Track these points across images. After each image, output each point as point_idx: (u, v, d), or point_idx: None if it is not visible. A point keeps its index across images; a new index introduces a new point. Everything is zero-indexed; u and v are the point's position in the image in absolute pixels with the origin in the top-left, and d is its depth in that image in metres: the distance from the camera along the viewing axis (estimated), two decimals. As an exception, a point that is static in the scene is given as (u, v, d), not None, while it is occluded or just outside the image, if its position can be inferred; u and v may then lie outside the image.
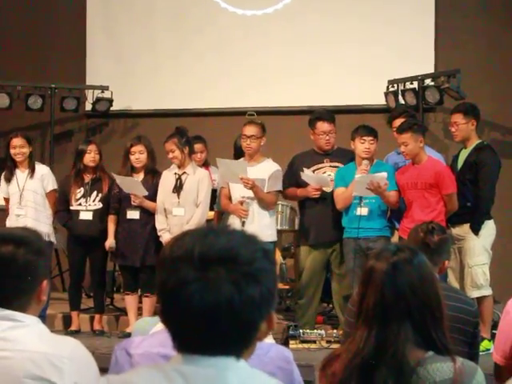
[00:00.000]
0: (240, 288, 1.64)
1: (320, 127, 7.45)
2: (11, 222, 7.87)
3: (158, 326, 2.56)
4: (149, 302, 7.62)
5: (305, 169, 7.34)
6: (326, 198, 7.34)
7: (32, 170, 7.94)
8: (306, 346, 7.14)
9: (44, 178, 8.01)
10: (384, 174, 6.94)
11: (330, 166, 7.47)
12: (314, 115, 7.57)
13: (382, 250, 2.68)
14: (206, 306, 1.63)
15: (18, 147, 7.90)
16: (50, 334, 2.57)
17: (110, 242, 7.75)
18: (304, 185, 7.39)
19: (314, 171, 7.45)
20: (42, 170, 8.09)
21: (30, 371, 2.42)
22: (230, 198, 7.48)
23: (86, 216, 7.90)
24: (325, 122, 7.45)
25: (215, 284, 1.63)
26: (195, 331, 1.66)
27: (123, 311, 8.22)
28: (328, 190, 7.32)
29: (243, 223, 7.09)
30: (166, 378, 1.67)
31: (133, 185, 7.64)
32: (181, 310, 1.66)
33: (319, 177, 7.37)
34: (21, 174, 7.95)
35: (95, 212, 7.91)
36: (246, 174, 7.16)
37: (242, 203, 7.22)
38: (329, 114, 7.58)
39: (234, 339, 1.68)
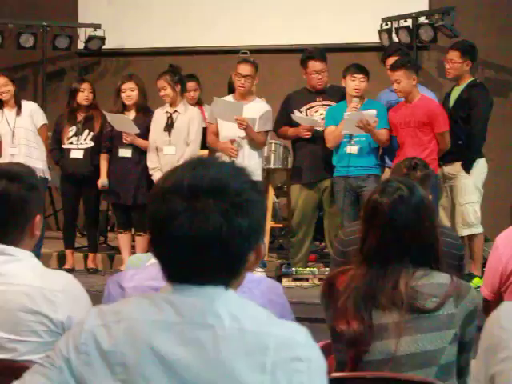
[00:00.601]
0: (228, 218, 1.66)
1: (312, 66, 7.42)
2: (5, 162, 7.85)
3: (151, 262, 2.59)
4: (142, 241, 7.65)
5: (295, 111, 7.32)
6: (318, 137, 7.33)
7: (19, 108, 7.90)
8: (298, 283, 7.22)
9: (33, 113, 7.97)
10: (373, 111, 6.93)
11: (323, 105, 7.44)
12: (306, 54, 7.53)
13: (384, 185, 2.77)
14: (194, 236, 1.65)
15: (2, 86, 7.84)
16: (43, 268, 2.60)
17: (103, 181, 7.75)
18: (297, 124, 7.38)
19: (306, 110, 7.44)
20: (29, 105, 8.06)
21: (24, 305, 2.45)
22: (217, 135, 7.46)
23: (76, 154, 7.89)
24: (317, 61, 7.41)
25: (204, 214, 1.65)
26: (184, 261, 1.69)
27: (117, 250, 8.27)
28: (320, 129, 7.31)
29: (232, 162, 7.09)
30: (156, 307, 1.70)
31: (124, 122, 7.61)
32: (170, 239, 1.68)
33: (310, 118, 7.36)
34: (9, 112, 7.90)
35: (86, 150, 7.89)
36: (242, 115, 7.14)
37: (232, 142, 7.21)
38: (321, 52, 7.52)
39: (222, 269, 1.70)
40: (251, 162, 7.28)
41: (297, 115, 7.30)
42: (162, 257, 1.74)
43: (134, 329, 1.68)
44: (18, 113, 7.88)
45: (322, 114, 7.38)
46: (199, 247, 1.66)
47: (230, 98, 7.49)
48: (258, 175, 7.35)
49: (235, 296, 1.74)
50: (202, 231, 1.65)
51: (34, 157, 7.87)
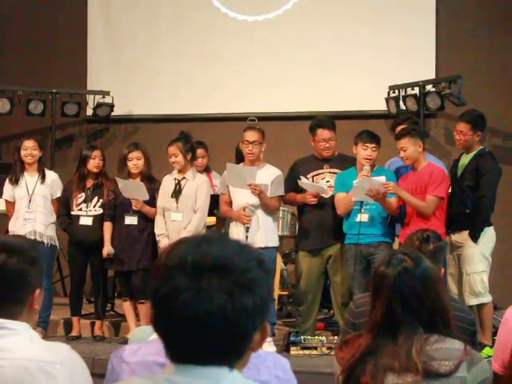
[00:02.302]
0: (233, 297, 1.62)
1: (320, 134, 7.44)
2: (18, 226, 7.87)
3: (155, 335, 2.55)
4: (144, 308, 7.58)
5: (302, 177, 7.33)
6: (324, 204, 7.33)
7: (42, 175, 7.97)
8: (307, 352, 7.13)
9: (54, 184, 8.07)
10: (382, 178, 6.92)
11: (330, 173, 7.45)
12: (315, 122, 7.55)
13: (389, 257, 2.84)
14: (198, 315, 1.62)
15: (30, 148, 7.93)
16: (41, 341, 2.56)
17: (108, 249, 7.73)
18: (304, 190, 7.38)
19: (313, 177, 7.44)
20: (52, 175, 8.15)
21: (23, 379, 2.41)
22: (229, 205, 7.46)
23: (85, 221, 7.91)
24: (325, 130, 7.43)
25: (208, 293, 1.62)
26: (187, 340, 1.65)
27: (124, 317, 8.20)
28: (326, 196, 7.30)
29: (247, 229, 7.07)
30: None
31: (136, 188, 7.62)
32: (173, 318, 1.64)
33: (316, 185, 7.36)
34: (30, 177, 7.96)
35: (95, 217, 7.91)
36: (255, 181, 7.14)
37: (244, 209, 7.20)
38: (329, 121, 7.55)
39: (226, 349, 1.66)
40: (266, 228, 7.29)
41: (303, 181, 7.30)
42: (164, 335, 1.70)
43: None
44: (41, 181, 7.95)
45: (328, 182, 7.39)
46: (203, 326, 1.62)
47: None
48: (275, 240, 7.38)
49: (240, 377, 1.70)
50: (205, 310, 1.61)
51: (48, 225, 7.92)
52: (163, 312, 1.67)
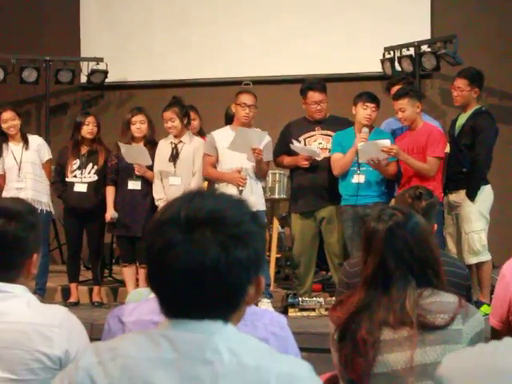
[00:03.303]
0: (227, 250, 1.62)
1: (311, 97, 7.39)
2: (11, 196, 7.82)
3: (152, 295, 2.55)
4: (145, 273, 7.55)
5: (294, 141, 7.30)
6: (317, 166, 7.31)
7: (26, 142, 7.91)
8: (304, 313, 7.15)
9: (40, 147, 7.98)
10: (387, 141, 6.90)
11: (322, 134, 7.41)
12: (305, 85, 7.49)
13: (379, 213, 2.88)
14: (191, 268, 1.61)
15: (10, 120, 7.84)
16: (39, 304, 2.57)
17: (112, 213, 7.69)
18: (295, 153, 7.36)
19: (305, 139, 7.40)
20: (36, 140, 8.07)
21: (21, 343, 2.42)
22: (214, 167, 7.40)
23: (80, 188, 7.87)
24: (316, 92, 7.38)
25: (201, 246, 1.61)
26: (181, 294, 1.65)
27: (122, 282, 8.22)
28: (318, 159, 7.29)
29: (240, 192, 7.04)
30: (153, 344, 1.66)
31: (139, 153, 7.58)
32: (167, 272, 1.64)
33: (308, 149, 7.33)
34: (15, 147, 7.89)
35: (90, 184, 7.87)
36: (261, 145, 7.12)
37: (239, 171, 7.17)
38: (320, 83, 7.47)
39: (220, 302, 1.66)
40: (257, 193, 7.28)
41: (296, 145, 7.27)
42: (158, 290, 1.70)
43: (130, 366, 1.64)
44: (26, 147, 7.87)
45: (320, 144, 7.36)
46: (197, 280, 1.62)
47: (227, 128, 7.44)
48: (262, 204, 7.36)
49: (234, 330, 1.69)
50: (199, 263, 1.61)
51: (40, 191, 7.87)
52: (157, 266, 1.67)
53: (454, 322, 2.69)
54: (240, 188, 7.06)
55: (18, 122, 7.90)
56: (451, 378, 1.66)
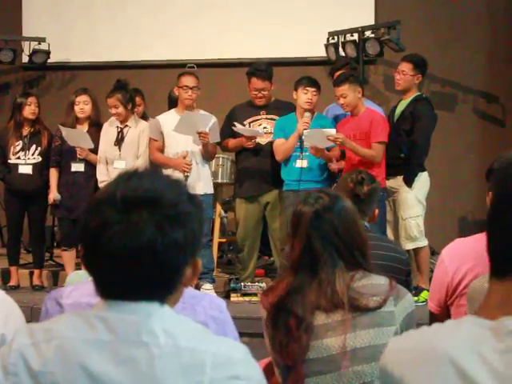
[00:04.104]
0: (163, 231, 1.61)
1: (253, 83, 7.37)
2: None
3: (90, 278, 2.53)
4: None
5: (236, 123, 7.28)
6: (261, 150, 7.32)
7: None
8: (246, 298, 7.17)
9: None
10: (333, 130, 6.91)
11: (267, 119, 7.42)
12: (250, 69, 7.44)
13: (305, 196, 2.89)
14: (127, 249, 1.60)
15: None
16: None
17: (55, 195, 7.62)
18: (240, 136, 7.35)
19: (250, 123, 7.40)
20: None
21: None
22: (161, 152, 7.38)
23: (25, 170, 7.77)
24: (258, 79, 7.34)
25: (137, 226, 1.60)
26: (117, 275, 1.64)
27: (63, 266, 8.14)
28: (263, 142, 7.30)
29: (186, 178, 7.01)
30: (88, 325, 1.65)
31: (80, 137, 7.50)
32: (102, 252, 1.63)
33: (251, 129, 7.33)
34: None
35: (35, 165, 7.78)
36: (207, 128, 7.08)
37: (184, 157, 7.14)
38: (265, 70, 7.39)
39: (157, 283, 1.65)
40: (205, 176, 7.29)
41: (238, 127, 7.26)
42: (94, 271, 1.69)
43: (65, 348, 1.63)
44: None
45: (265, 128, 7.36)
46: (132, 260, 1.61)
47: (172, 112, 7.41)
48: (210, 187, 7.39)
49: (171, 312, 1.69)
50: (135, 244, 1.60)
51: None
52: (92, 247, 1.65)
53: (386, 304, 2.70)
54: (185, 174, 7.04)
55: None
56: (392, 360, 1.68)
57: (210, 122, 7.12)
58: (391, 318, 2.70)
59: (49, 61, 10.40)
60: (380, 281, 2.77)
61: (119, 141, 7.45)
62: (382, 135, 6.89)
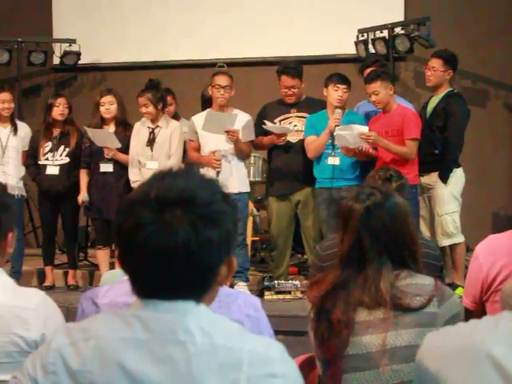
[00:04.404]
0: (197, 230, 1.62)
1: (283, 81, 7.37)
2: None
3: (126, 277, 2.54)
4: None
5: (265, 121, 7.28)
6: (292, 148, 7.32)
7: (15, 127, 7.88)
8: (280, 296, 7.17)
9: (26, 136, 7.98)
10: (365, 128, 6.89)
11: (297, 117, 7.40)
12: (280, 68, 7.44)
13: (357, 192, 2.84)
14: (162, 248, 1.61)
15: (8, 102, 7.84)
16: (15, 286, 2.55)
17: (83, 196, 7.68)
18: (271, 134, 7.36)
19: (280, 121, 7.40)
20: (25, 128, 8.07)
21: None
22: (198, 151, 7.42)
23: (52, 171, 7.82)
24: (288, 77, 7.33)
25: (172, 226, 1.61)
26: (153, 274, 1.65)
27: (97, 266, 8.18)
28: (293, 140, 7.29)
29: (217, 173, 7.03)
30: (125, 324, 1.66)
31: (106, 137, 7.55)
32: (137, 252, 1.64)
33: (281, 126, 7.33)
34: (3, 129, 7.85)
35: (62, 167, 7.82)
36: (233, 127, 7.10)
37: (214, 153, 7.16)
38: (295, 67, 7.39)
39: (192, 282, 1.66)
40: (239, 174, 7.30)
41: (268, 124, 7.26)
42: (130, 271, 1.70)
43: (102, 347, 1.64)
44: (14, 133, 7.85)
45: (295, 126, 7.35)
46: (167, 260, 1.62)
47: (206, 112, 7.42)
48: (246, 186, 7.41)
49: (207, 311, 1.70)
50: (169, 243, 1.61)
51: (18, 177, 7.85)
52: (128, 247, 1.66)
53: (429, 305, 2.68)
54: (216, 169, 7.06)
55: (13, 105, 7.91)
56: (429, 356, 1.67)
57: (236, 121, 7.12)
58: (434, 319, 2.68)
59: (79, 62, 10.48)
60: (425, 281, 2.75)
61: (151, 141, 7.48)
62: (415, 132, 6.85)
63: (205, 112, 7.46)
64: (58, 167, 7.82)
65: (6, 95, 7.86)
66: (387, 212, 2.78)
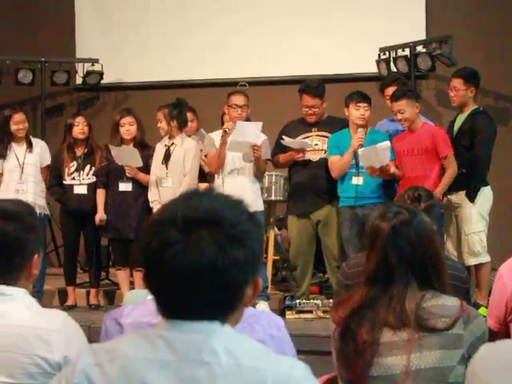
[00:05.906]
0: (224, 250, 1.61)
1: (304, 100, 7.36)
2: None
3: (149, 296, 2.54)
4: (140, 276, 7.52)
5: (284, 136, 7.29)
6: (312, 167, 7.31)
7: (30, 144, 7.93)
8: (302, 316, 7.15)
9: (42, 151, 8.03)
10: (387, 144, 6.87)
11: (318, 136, 7.40)
12: (301, 86, 7.43)
13: (384, 211, 2.85)
14: (188, 268, 1.61)
15: (21, 122, 7.89)
16: (38, 307, 2.55)
17: (101, 216, 7.70)
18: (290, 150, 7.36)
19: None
20: (39, 143, 8.13)
21: (19, 347, 2.39)
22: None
23: (80, 190, 7.85)
24: (309, 96, 7.32)
25: (198, 246, 1.61)
26: (178, 295, 1.64)
27: (118, 285, 8.19)
28: (314, 158, 7.28)
29: (225, 131, 7.20)
30: (150, 345, 1.65)
31: (129, 154, 7.56)
32: (163, 272, 1.63)
33: (299, 141, 7.33)
34: (19, 148, 7.91)
35: (89, 186, 7.85)
36: (259, 137, 7.13)
37: (225, 131, 7.22)
38: (317, 87, 7.37)
39: (218, 303, 1.66)
40: (254, 192, 7.28)
41: (286, 140, 7.27)
42: (155, 291, 1.70)
43: (127, 367, 1.63)
44: (29, 150, 7.90)
45: (317, 145, 7.34)
46: (194, 280, 1.61)
47: (220, 132, 7.43)
48: (260, 205, 7.38)
49: (231, 331, 1.69)
50: (196, 263, 1.60)
51: (39, 194, 7.91)
52: (154, 267, 1.66)
53: (454, 326, 2.66)
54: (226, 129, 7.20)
55: (27, 125, 7.96)
56: (483, 367, 1.65)
57: (259, 128, 7.12)
58: (459, 340, 2.65)
59: (102, 81, 10.54)
60: (451, 302, 2.72)
61: (166, 159, 7.49)
62: (449, 148, 6.87)
63: (220, 131, 7.44)
64: (85, 186, 7.85)
65: (20, 116, 7.93)
66: (414, 230, 2.77)
